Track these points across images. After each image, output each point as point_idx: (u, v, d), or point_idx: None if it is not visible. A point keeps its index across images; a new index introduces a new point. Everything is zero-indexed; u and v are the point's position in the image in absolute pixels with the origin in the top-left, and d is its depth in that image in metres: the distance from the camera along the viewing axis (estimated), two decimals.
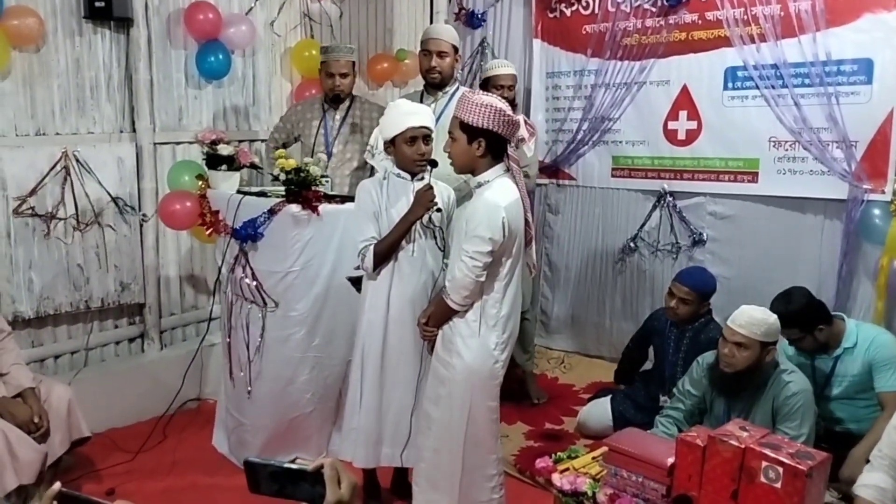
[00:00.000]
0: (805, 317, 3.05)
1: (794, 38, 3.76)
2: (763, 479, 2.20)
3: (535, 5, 4.70)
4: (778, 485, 2.17)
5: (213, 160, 3.31)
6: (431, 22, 5.21)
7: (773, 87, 3.86)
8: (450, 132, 2.52)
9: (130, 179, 3.81)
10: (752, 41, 3.89)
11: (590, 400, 3.85)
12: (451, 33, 3.57)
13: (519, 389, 4.08)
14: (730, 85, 4.04)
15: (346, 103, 3.84)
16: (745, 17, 3.89)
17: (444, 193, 2.81)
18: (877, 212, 3.58)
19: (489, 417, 2.62)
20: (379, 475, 3.02)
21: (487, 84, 3.89)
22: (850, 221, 3.70)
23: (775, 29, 3.81)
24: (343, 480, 1.11)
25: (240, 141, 4.07)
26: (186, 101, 4.07)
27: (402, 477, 3.06)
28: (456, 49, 3.54)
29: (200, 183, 3.36)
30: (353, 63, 3.81)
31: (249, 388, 3.21)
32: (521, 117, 2.52)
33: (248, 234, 3.04)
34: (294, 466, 1.12)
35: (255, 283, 3.10)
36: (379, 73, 4.89)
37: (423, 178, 2.72)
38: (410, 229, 2.71)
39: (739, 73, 3.99)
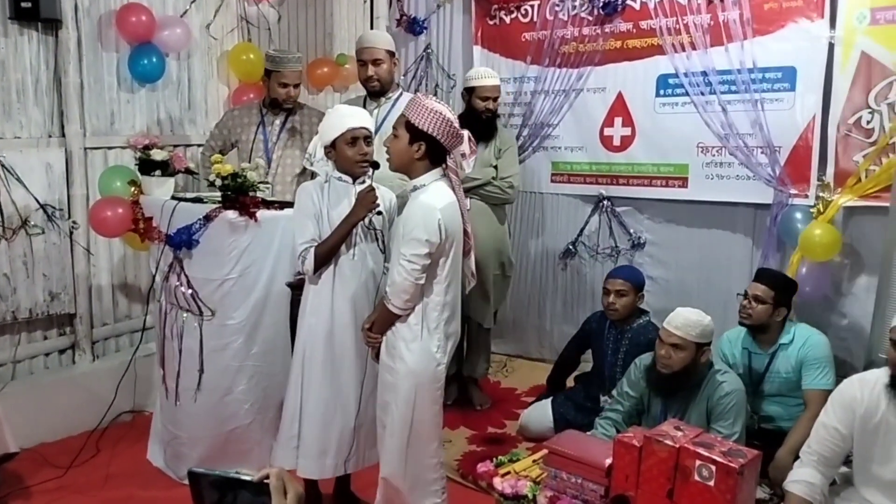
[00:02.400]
0: (788, 286, 3.18)
1: (723, 46, 3.89)
2: (697, 478, 2.25)
3: (475, 12, 4.74)
4: (711, 483, 2.23)
5: (147, 165, 3.23)
6: (372, 27, 5.20)
7: (701, 94, 3.98)
8: (394, 128, 2.54)
9: (60, 186, 3.69)
10: (683, 49, 4.00)
11: (532, 403, 3.90)
12: (385, 39, 3.56)
13: (461, 396, 4.10)
14: (662, 92, 4.15)
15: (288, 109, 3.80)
16: (677, 25, 4.01)
17: (385, 197, 2.81)
18: (798, 216, 3.72)
19: (432, 421, 2.62)
20: (320, 482, 2.99)
21: (472, 94, 3.89)
22: (773, 225, 3.83)
23: (705, 37, 3.93)
24: (289, 491, 1.10)
25: (175, 146, 3.97)
26: (119, 105, 3.96)
27: (344, 485, 3.03)
28: (392, 54, 3.53)
29: (133, 189, 3.27)
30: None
31: (178, 400, 3.14)
32: (465, 133, 2.55)
33: (183, 240, 2.97)
34: (239, 476, 1.11)
35: (190, 291, 3.03)
36: (319, 78, 4.86)
37: (364, 182, 2.72)
38: (352, 231, 2.69)
39: (671, 81, 4.10)
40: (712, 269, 4.09)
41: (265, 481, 1.09)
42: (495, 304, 4.08)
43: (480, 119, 3.87)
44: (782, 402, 3.20)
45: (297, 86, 3.72)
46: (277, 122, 3.78)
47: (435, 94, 4.93)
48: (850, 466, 2.51)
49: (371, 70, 3.48)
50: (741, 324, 3.23)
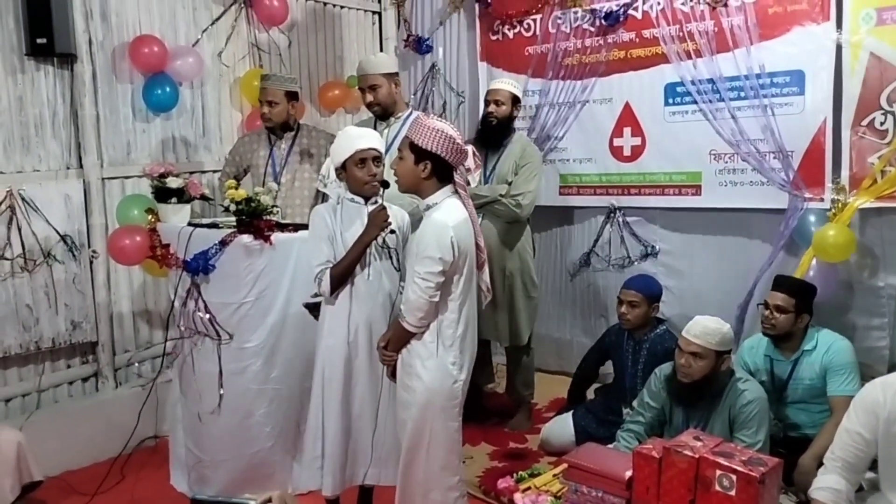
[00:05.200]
0: (808, 291, 3.16)
1: (729, 53, 3.87)
2: (718, 488, 2.24)
3: (479, 28, 4.78)
4: (732, 492, 2.22)
5: (163, 193, 3.27)
6: (381, 48, 5.27)
7: (710, 101, 3.96)
8: (399, 150, 2.57)
9: (79, 216, 3.75)
10: (689, 57, 3.99)
11: (553, 417, 3.88)
12: (379, 63, 3.57)
13: (478, 411, 4.08)
14: (670, 101, 4.13)
15: (293, 132, 3.84)
16: (681, 33, 4.00)
17: (398, 216, 2.84)
18: (812, 218, 3.69)
19: (451, 438, 2.62)
20: (343, 502, 2.99)
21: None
22: (785, 229, 3.80)
23: (710, 44, 3.92)
24: None
25: (191, 173, 4.02)
26: (134, 135, 4.03)
27: (366, 499, 3.03)
28: (391, 76, 3.54)
29: (150, 217, 3.32)
30: (290, 93, 3.76)
31: (201, 424, 3.17)
32: (470, 148, 2.57)
33: (200, 266, 3.01)
34: (243, 502, 1.12)
35: (208, 315, 3.06)
36: (330, 101, 4.92)
37: (376, 202, 2.74)
38: (366, 251, 2.71)
39: (678, 89, 4.09)
40: (727, 276, 4.06)
41: None
42: (523, 327, 3.97)
43: (485, 124, 3.90)
44: (807, 409, 3.17)
45: (272, 104, 3.70)
46: (285, 145, 3.82)
47: (443, 112, 4.97)
48: (876, 471, 2.48)
49: (369, 96, 3.53)
50: (766, 335, 3.20)
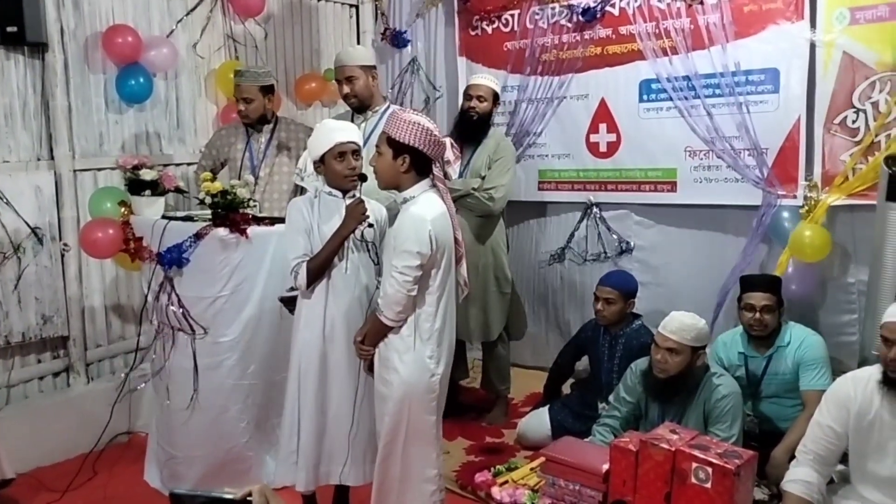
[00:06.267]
0: (779, 284, 3.23)
1: (705, 50, 3.91)
2: (694, 480, 2.27)
3: (457, 23, 4.77)
4: (708, 485, 2.24)
5: (136, 185, 3.23)
6: (358, 41, 5.24)
7: (685, 98, 3.99)
8: (377, 146, 2.56)
9: (50, 208, 3.68)
10: (665, 54, 4.02)
11: (529, 412, 3.89)
12: (357, 55, 3.56)
13: (452, 402, 4.08)
14: (645, 97, 4.16)
15: (271, 125, 3.80)
16: (657, 30, 4.03)
17: (376, 210, 2.82)
18: (786, 216, 3.75)
19: (428, 432, 2.61)
20: (320, 498, 2.98)
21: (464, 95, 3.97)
22: (759, 226, 3.85)
23: (686, 41, 3.95)
24: None
25: (164, 165, 3.98)
26: (107, 127, 3.96)
27: (342, 498, 3.02)
28: (368, 68, 3.52)
29: (123, 209, 3.28)
30: (265, 87, 3.70)
31: (174, 419, 3.13)
32: (448, 140, 2.57)
33: (174, 259, 2.97)
34: (223, 495, 1.11)
35: (181, 310, 3.02)
36: (306, 94, 4.88)
37: (354, 196, 2.73)
38: (343, 245, 2.70)
39: (653, 86, 4.12)
40: (702, 272, 4.10)
41: (248, 499, 1.09)
42: (494, 322, 3.97)
43: (465, 118, 3.88)
44: (780, 404, 3.22)
45: (247, 100, 3.65)
46: (263, 138, 3.78)
47: (425, 106, 4.96)
48: (846, 464, 2.52)
49: (346, 87, 3.50)
50: (757, 336, 3.23)
